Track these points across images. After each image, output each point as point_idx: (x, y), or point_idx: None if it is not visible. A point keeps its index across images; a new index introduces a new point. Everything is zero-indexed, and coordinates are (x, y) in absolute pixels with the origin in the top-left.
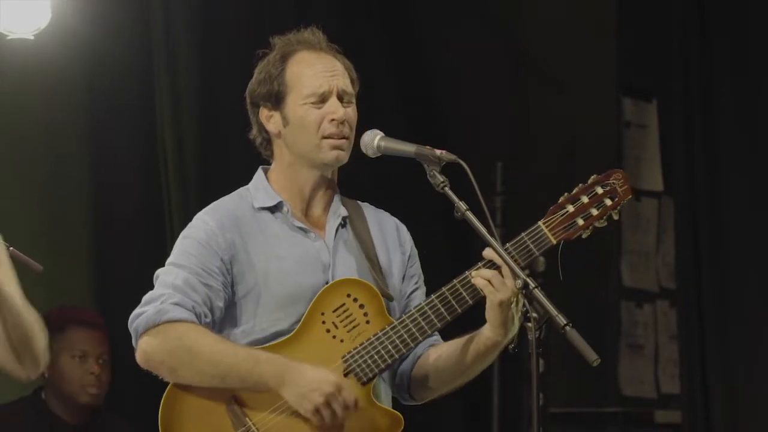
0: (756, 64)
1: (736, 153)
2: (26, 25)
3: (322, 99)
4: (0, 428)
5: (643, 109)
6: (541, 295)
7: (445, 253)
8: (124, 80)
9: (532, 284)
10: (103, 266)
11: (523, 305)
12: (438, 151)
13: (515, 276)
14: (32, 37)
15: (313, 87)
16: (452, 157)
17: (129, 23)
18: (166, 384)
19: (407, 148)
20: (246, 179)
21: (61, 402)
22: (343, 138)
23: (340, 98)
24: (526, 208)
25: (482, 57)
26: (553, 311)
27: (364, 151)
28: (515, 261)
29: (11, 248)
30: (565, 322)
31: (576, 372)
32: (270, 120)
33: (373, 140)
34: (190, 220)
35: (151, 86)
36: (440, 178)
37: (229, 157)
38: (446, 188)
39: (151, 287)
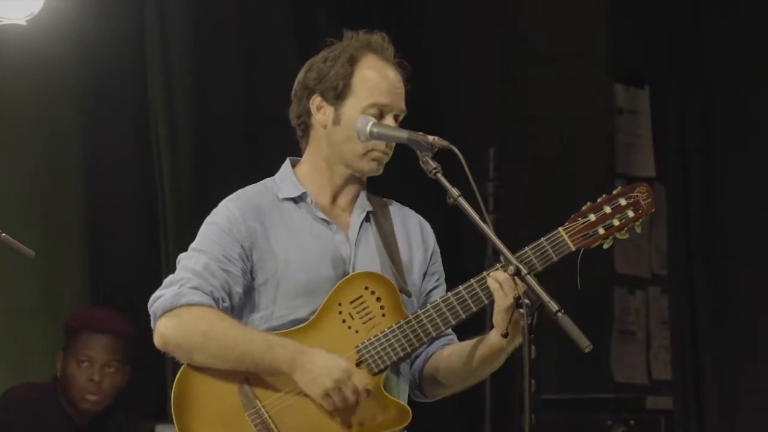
0: (749, 48)
1: (729, 139)
2: (19, 11)
3: (381, 113)
4: (20, 405)
5: (635, 95)
6: (534, 282)
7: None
8: (116, 63)
9: (524, 270)
10: (96, 248)
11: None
12: (430, 137)
13: (507, 262)
14: (25, 23)
15: (376, 98)
16: (445, 143)
17: (121, 7)
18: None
19: (399, 134)
20: (239, 159)
21: (67, 402)
22: (385, 154)
23: (396, 117)
24: (519, 194)
25: (475, 42)
26: (546, 297)
27: (356, 137)
28: (531, 266)
29: (3, 234)
30: (557, 309)
31: (568, 358)
32: (320, 110)
33: (366, 126)
34: (182, 200)
35: (143, 69)
36: (432, 164)
37: (223, 136)
38: (438, 174)
39: (145, 269)
